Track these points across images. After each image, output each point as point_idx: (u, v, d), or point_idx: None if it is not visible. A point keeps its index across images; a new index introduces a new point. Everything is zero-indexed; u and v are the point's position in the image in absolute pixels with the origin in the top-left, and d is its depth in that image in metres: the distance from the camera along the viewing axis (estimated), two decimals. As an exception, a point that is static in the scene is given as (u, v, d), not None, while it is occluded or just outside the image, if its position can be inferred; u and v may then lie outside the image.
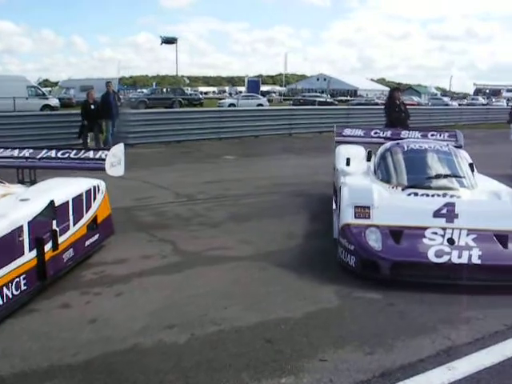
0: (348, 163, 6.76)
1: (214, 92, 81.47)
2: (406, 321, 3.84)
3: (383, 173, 5.85)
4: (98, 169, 5.57)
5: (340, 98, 50.98)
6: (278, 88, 77.85)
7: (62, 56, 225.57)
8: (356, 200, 4.94)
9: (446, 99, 47.39)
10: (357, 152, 7.43)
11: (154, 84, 71.11)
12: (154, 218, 6.80)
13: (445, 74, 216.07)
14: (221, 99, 43.01)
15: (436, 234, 4.64)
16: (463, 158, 6.05)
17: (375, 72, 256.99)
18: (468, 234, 4.61)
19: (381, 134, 8.29)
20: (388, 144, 6.42)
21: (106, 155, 5.64)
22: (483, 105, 42.50)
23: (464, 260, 4.35)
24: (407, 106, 10.52)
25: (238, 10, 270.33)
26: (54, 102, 28.34)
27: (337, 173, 6.61)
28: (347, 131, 8.50)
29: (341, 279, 4.60)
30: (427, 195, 5.19)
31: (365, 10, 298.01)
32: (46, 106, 26.94)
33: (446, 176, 5.53)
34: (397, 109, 9.62)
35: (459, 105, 39.27)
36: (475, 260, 4.35)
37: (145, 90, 40.49)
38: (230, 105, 34.27)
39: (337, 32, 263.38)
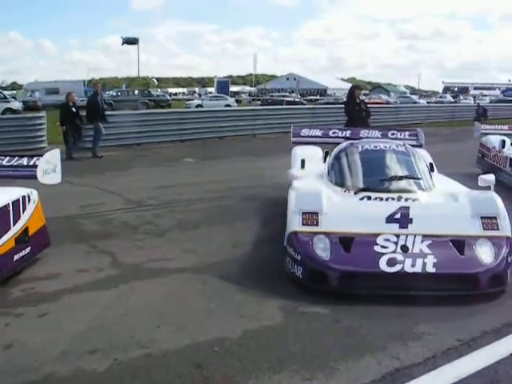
0: (303, 165, 6.45)
1: (183, 93, 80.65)
2: (353, 339, 3.50)
3: (336, 175, 5.54)
4: (30, 177, 5.10)
5: (310, 97, 50.95)
6: (247, 88, 77.50)
7: (31, 58, 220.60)
8: (303, 206, 4.60)
9: (414, 97, 47.69)
10: (313, 153, 7.13)
11: (124, 86, 70.28)
12: (98, 226, 6.36)
13: (414, 72, 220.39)
14: (189, 100, 42.53)
15: (389, 240, 4.33)
16: (421, 158, 5.77)
17: (345, 71, 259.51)
18: (423, 240, 4.31)
19: (339, 134, 8.00)
20: (343, 144, 6.12)
21: (38, 162, 5.18)
22: (451, 102, 42.93)
23: (418, 269, 4.05)
24: (375, 105, 10.30)
25: (209, 11, 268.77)
26: (16, 105, 27.60)
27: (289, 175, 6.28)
28: (305, 131, 8.19)
29: (288, 292, 4.24)
30: (381, 199, 4.88)
31: (335, 9, 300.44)
32: (8, 110, 26.08)
33: (401, 178, 5.24)
34: (357, 107, 9.33)
35: (427, 103, 39.54)
36: (430, 268, 4.05)
37: (112, 92, 39.58)
38: (198, 106, 34.06)
39: (307, 32, 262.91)
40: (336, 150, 6.03)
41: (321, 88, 68.47)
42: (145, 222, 6.54)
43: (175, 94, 69.21)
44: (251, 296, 4.20)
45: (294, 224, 4.51)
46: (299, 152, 7.08)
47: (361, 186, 5.16)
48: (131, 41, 32.18)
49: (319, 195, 4.70)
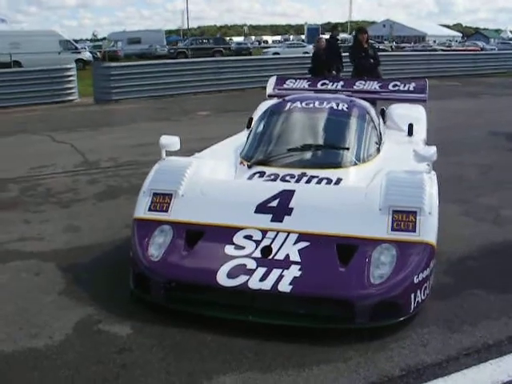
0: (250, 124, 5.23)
1: (277, 41, 78.56)
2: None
3: (247, 143, 4.29)
4: None
5: (404, 44, 47.08)
6: (342, 35, 73.47)
7: (135, 9, 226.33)
8: (156, 184, 3.50)
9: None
10: None
11: (218, 34, 69.94)
12: (16, 193, 5.67)
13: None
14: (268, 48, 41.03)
15: (250, 238, 3.13)
16: (369, 121, 4.31)
17: (453, 17, 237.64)
18: (297, 242, 3.07)
19: (329, 86, 6.57)
20: (275, 102, 4.77)
21: None
22: None
23: (266, 285, 2.84)
24: (467, 52, 8.51)
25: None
26: (87, 55, 27.86)
27: None
28: (289, 82, 6.84)
29: (117, 298, 3.26)
30: (276, 176, 3.63)
31: None
32: (79, 61, 26.38)
33: (318, 147, 3.89)
34: (363, 53, 7.69)
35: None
36: (283, 286, 2.82)
37: (187, 41, 39.02)
38: (275, 53, 32.72)
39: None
40: (265, 109, 4.72)
41: (419, 35, 62.86)
42: (70, 189, 5.76)
43: (266, 42, 67.56)
44: (65, 298, 3.29)
45: (140, 209, 3.44)
46: (263, 107, 5.82)
47: (261, 157, 3.91)
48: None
49: (182, 171, 3.55)
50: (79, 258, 3.89)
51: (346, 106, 4.33)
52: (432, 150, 3.40)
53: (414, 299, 2.88)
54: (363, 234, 3.04)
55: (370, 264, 2.90)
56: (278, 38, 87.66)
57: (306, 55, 26.23)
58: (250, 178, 3.68)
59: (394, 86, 6.41)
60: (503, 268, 3.65)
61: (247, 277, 2.89)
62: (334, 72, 9.50)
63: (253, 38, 76.54)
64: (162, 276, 3.03)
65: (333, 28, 11.08)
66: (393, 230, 3.03)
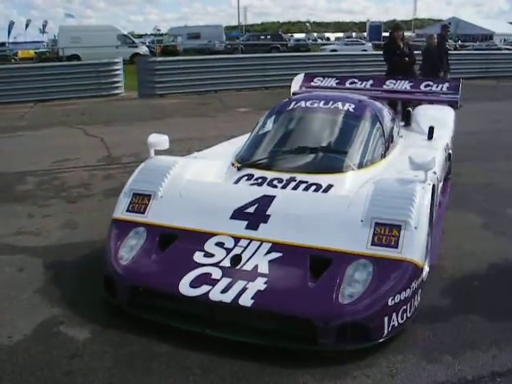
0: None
1: (339, 38, 77.45)
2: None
3: (245, 143, 4.09)
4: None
5: (468, 43, 45.11)
6: (407, 34, 71.36)
7: (201, 5, 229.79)
8: (137, 185, 3.38)
9: None
10: None
11: (280, 30, 70.03)
12: (32, 186, 5.75)
13: None
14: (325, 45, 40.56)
15: (221, 246, 2.96)
16: (374, 124, 3.99)
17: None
18: (269, 252, 2.87)
19: (358, 85, 6.32)
20: (283, 102, 4.50)
21: None
22: None
23: (227, 297, 2.65)
24: None
25: None
26: (144, 50, 28.39)
27: None
28: (317, 81, 6.62)
29: (87, 299, 3.19)
30: (263, 180, 3.42)
31: None
32: (136, 55, 26.97)
33: (312, 151, 3.64)
34: (398, 51, 7.27)
35: None
36: (245, 300, 2.62)
37: (243, 37, 39.07)
38: (332, 50, 32.21)
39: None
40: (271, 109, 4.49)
41: (486, 33, 59.89)
42: (83, 184, 5.78)
43: (327, 39, 66.74)
44: (38, 297, 3.25)
45: (119, 209, 3.34)
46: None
47: (251, 159, 3.71)
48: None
49: (165, 171, 3.41)
50: (67, 256, 3.85)
51: (352, 106, 4.04)
52: (428, 159, 3.08)
53: (388, 323, 2.60)
54: (340, 248, 2.79)
55: (342, 281, 2.65)
56: (341, 35, 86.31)
57: (363, 53, 25.82)
58: (237, 181, 3.49)
59: (426, 86, 6.09)
60: (511, 291, 3.28)
61: (209, 287, 2.71)
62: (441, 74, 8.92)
63: (315, 34, 75.76)
64: (127, 280, 2.91)
65: (443, 27, 10.42)
66: (373, 244, 2.76)
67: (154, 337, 2.76)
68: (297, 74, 15.84)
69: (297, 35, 65.15)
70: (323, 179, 3.38)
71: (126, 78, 14.15)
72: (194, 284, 2.75)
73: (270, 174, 3.47)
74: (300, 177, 3.40)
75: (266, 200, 3.09)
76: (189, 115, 10.65)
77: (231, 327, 2.67)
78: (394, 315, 2.62)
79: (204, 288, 2.72)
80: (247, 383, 2.40)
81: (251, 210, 3.06)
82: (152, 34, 63.22)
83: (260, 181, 3.42)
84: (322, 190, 3.28)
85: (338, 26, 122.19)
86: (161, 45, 36.04)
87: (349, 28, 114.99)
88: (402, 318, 2.67)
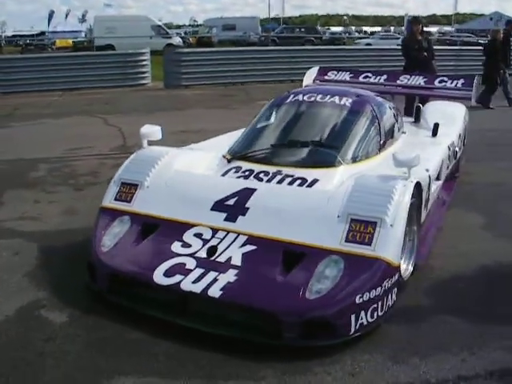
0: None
1: (374, 33, 76.28)
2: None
3: (240, 136, 4.10)
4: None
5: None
6: (445, 29, 69.49)
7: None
8: (126, 174, 3.45)
9: None
10: None
11: (318, 24, 69.55)
12: (43, 173, 5.91)
13: None
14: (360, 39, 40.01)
15: (199, 236, 3.00)
16: (370, 119, 3.92)
17: None
18: (244, 244, 2.89)
19: (372, 79, 6.26)
20: (283, 95, 4.48)
21: None
22: None
23: (197, 288, 2.68)
24: None
25: None
26: (177, 40, 28.58)
27: None
28: (331, 74, 6.58)
29: (71, 284, 3.28)
30: (251, 172, 3.44)
31: None
32: (169, 45, 27.22)
33: (302, 144, 3.62)
34: (416, 46, 7.11)
35: None
36: (213, 291, 2.65)
37: (278, 29, 38.88)
38: (367, 44, 31.80)
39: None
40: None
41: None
42: (92, 172, 5.91)
43: (365, 33, 65.79)
44: (26, 280, 3.34)
45: (107, 197, 3.42)
46: None
47: (242, 152, 3.73)
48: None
49: (153, 161, 3.45)
50: (62, 241, 3.95)
51: (349, 100, 3.99)
52: (412, 155, 3.02)
53: (356, 321, 2.58)
54: (314, 243, 2.78)
55: (312, 276, 2.64)
56: (379, 29, 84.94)
57: (396, 47, 25.37)
58: (225, 173, 3.51)
59: (441, 81, 5.97)
60: (497, 294, 3.20)
61: (182, 277, 2.75)
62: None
63: (353, 28, 74.73)
64: (106, 267, 2.98)
65: (508, 22, 10.23)
66: (347, 240, 2.75)
67: (129, 323, 2.82)
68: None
69: (334, 28, 64.49)
70: (311, 173, 3.37)
71: (153, 69, 14.32)
72: (167, 273, 2.79)
73: (257, 167, 3.48)
74: (286, 170, 3.40)
75: (247, 192, 3.10)
76: (211, 106, 10.71)
77: (201, 318, 2.71)
78: (363, 313, 2.60)
79: (177, 277, 2.76)
80: (208, 372, 2.43)
81: (231, 202, 3.08)
82: (190, 25, 63.75)
83: (247, 173, 3.44)
84: (306, 185, 3.27)
85: (376, 20, 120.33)
86: (196, 36, 36.29)
87: (387, 22, 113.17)
88: (371, 317, 2.64)
